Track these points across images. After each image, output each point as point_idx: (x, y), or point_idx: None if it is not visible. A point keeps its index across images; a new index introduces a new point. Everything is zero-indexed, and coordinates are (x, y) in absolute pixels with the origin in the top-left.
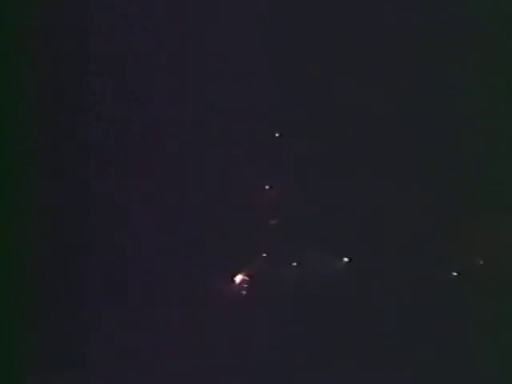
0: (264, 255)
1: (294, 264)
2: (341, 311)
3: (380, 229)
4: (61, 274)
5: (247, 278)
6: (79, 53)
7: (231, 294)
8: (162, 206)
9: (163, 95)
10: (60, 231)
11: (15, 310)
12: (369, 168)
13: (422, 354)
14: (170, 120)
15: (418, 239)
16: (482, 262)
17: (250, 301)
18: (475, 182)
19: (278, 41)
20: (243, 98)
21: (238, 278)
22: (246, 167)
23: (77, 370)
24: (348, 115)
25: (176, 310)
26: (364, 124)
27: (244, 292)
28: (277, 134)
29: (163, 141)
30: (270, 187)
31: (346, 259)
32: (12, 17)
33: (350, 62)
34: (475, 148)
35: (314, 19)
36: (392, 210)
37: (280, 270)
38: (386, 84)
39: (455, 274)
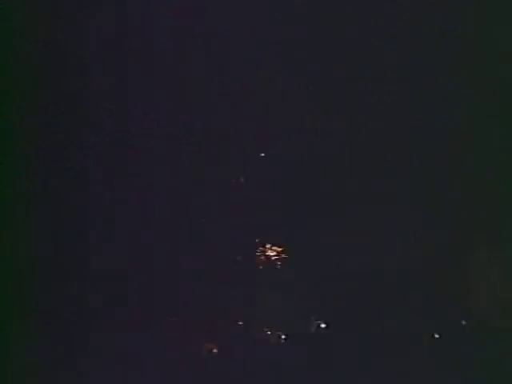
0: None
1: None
2: None
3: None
4: (60, 275)
5: None
6: (79, 53)
7: None
8: (162, 207)
9: (163, 95)
10: (60, 232)
11: (15, 310)
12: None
13: None
14: (169, 120)
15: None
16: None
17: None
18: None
19: (277, 41)
20: (243, 98)
21: None
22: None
23: (76, 370)
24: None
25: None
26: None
27: None
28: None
29: (163, 141)
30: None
31: (323, 325)
32: (12, 16)
33: (351, 61)
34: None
35: (313, 19)
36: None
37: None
38: (384, 87)
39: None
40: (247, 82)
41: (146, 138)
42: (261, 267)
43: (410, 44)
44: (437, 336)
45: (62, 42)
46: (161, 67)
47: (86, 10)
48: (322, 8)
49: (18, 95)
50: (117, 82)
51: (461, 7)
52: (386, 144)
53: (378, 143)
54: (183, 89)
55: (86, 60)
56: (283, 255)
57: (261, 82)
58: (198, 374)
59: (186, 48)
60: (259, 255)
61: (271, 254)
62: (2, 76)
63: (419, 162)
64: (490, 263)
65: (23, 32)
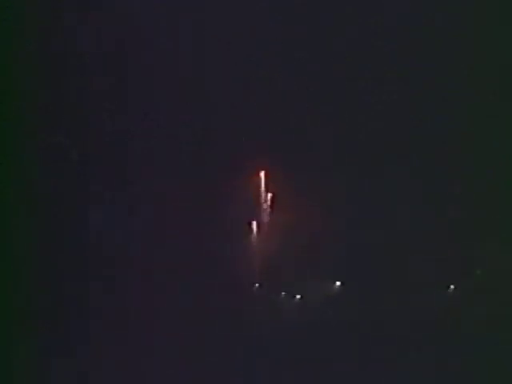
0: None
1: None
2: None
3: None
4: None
5: None
6: (79, 54)
7: None
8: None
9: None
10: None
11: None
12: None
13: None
14: (169, 122)
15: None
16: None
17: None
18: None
19: (277, 42)
20: (242, 102)
21: None
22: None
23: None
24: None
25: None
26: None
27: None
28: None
29: (162, 144)
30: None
31: (338, 283)
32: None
33: (351, 62)
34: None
35: (313, 20)
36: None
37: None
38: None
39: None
40: (247, 81)
41: (146, 138)
42: None
43: (409, 44)
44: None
45: (61, 41)
46: (161, 67)
47: (86, 10)
48: (321, 8)
49: (18, 95)
50: (117, 82)
51: (461, 7)
52: (385, 143)
53: (377, 143)
54: (183, 89)
55: (86, 60)
56: None
57: (260, 81)
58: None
59: (185, 48)
60: None
61: None
62: (1, 76)
63: (419, 161)
64: None
65: (23, 32)
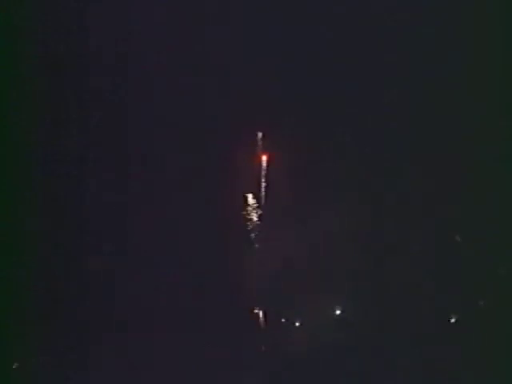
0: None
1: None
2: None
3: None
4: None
5: None
6: (79, 56)
7: None
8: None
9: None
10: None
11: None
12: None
13: None
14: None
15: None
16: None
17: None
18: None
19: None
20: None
21: None
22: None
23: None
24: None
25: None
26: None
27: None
28: None
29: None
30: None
31: (338, 311)
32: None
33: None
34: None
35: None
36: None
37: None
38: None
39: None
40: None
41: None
42: None
43: (409, 45)
44: (453, 320)
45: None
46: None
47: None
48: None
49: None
50: (117, 83)
51: (460, 7)
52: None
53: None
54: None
55: (86, 59)
56: None
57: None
58: None
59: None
60: None
61: None
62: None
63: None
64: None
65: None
